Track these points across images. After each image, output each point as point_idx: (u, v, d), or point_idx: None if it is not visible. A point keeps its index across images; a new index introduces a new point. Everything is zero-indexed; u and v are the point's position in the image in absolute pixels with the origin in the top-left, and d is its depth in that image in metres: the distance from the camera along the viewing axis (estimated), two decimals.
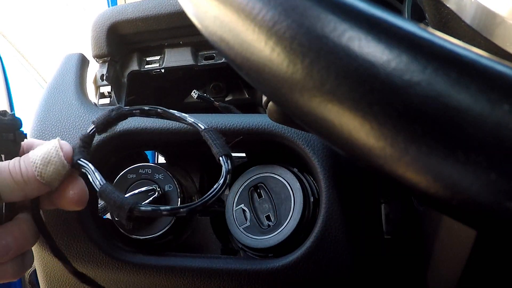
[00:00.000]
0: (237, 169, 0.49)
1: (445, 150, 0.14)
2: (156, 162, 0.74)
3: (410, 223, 0.42)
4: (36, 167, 0.33)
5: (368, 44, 0.15)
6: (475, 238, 0.27)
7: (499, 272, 0.29)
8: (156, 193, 0.46)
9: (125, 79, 0.55)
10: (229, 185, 0.45)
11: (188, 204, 0.33)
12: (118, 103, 0.53)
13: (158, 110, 0.38)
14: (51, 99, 0.49)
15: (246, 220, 0.45)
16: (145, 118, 0.47)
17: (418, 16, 0.34)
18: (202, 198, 0.33)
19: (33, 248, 0.39)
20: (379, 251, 0.42)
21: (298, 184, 0.44)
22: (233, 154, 0.57)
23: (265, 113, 0.36)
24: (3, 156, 0.35)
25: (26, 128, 0.49)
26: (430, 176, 0.14)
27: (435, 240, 0.34)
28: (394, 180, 0.16)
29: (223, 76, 0.60)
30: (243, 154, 0.53)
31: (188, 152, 0.53)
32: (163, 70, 0.55)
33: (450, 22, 0.26)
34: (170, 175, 0.47)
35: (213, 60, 0.54)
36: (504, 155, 0.13)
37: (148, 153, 0.66)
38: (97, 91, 0.54)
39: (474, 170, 0.14)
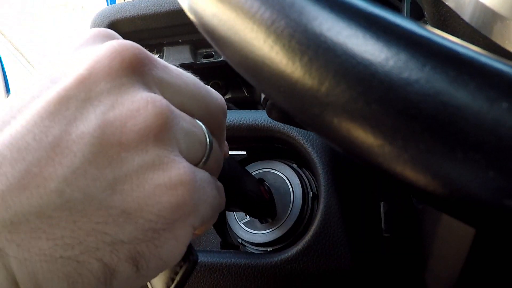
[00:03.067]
0: None
1: (444, 148, 0.14)
2: None
3: (409, 221, 0.42)
4: None
5: (366, 42, 0.15)
6: (474, 236, 0.27)
7: (498, 270, 0.29)
8: None
9: None
10: None
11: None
12: None
13: None
14: None
15: (246, 215, 0.45)
16: None
17: (417, 14, 0.34)
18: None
19: None
20: (377, 248, 0.42)
21: (297, 179, 0.44)
22: (234, 152, 0.57)
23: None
24: None
25: None
26: (428, 174, 0.14)
27: (434, 238, 0.34)
28: (392, 178, 0.16)
29: (222, 74, 0.60)
30: (244, 152, 0.54)
31: None
32: None
33: (449, 20, 0.26)
34: None
35: (212, 58, 0.54)
36: (503, 153, 0.13)
37: None
38: None
39: (473, 168, 0.14)
